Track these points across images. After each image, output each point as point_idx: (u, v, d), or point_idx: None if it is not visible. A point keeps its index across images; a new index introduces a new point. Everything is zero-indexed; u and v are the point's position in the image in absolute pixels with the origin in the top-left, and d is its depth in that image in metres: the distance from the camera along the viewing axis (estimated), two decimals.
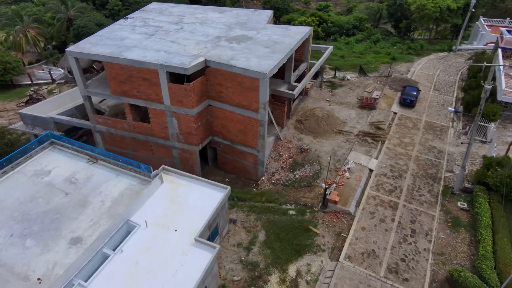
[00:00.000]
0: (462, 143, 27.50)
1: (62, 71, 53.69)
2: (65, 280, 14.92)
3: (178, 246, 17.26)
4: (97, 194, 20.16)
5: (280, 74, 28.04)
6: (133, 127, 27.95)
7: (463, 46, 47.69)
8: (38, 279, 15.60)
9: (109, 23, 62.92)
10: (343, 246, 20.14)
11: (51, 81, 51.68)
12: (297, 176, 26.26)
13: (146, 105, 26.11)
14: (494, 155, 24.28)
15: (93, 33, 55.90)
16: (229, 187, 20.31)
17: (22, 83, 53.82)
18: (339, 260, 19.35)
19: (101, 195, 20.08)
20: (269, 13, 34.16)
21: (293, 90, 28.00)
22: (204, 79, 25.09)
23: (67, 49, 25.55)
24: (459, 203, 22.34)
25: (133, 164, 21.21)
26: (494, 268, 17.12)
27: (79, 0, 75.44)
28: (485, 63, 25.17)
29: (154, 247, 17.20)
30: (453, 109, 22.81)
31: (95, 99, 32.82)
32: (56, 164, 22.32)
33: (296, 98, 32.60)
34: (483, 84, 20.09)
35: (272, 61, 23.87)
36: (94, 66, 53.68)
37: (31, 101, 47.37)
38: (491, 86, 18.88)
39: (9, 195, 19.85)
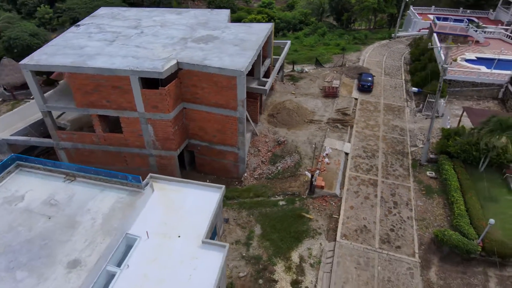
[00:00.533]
0: (427, 118, 30.23)
1: None
2: None
3: (186, 251, 17.01)
4: (84, 212, 18.91)
5: (250, 71, 28.51)
6: (104, 139, 26.49)
7: (400, 34, 52.33)
8: None
9: (43, 32, 58.28)
10: (337, 227, 21.38)
11: None
12: (279, 168, 27.05)
13: (118, 114, 24.93)
14: (449, 126, 27.36)
15: (28, 44, 51.99)
16: (223, 186, 20.37)
17: None
18: (336, 239, 20.54)
19: (90, 213, 18.88)
20: (227, 12, 34.36)
21: (264, 86, 28.70)
22: (177, 82, 24.66)
23: (21, 62, 23.36)
24: (427, 173, 24.89)
25: (118, 176, 20.23)
26: (470, 224, 19.51)
27: (2, 10, 68.53)
28: (430, 45, 28.12)
29: (161, 256, 16.75)
30: (416, 89, 25.23)
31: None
32: (28, 188, 20.41)
33: None
34: (437, 65, 22.53)
35: (246, 59, 24.27)
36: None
37: None
38: (447, 66, 21.27)
39: None
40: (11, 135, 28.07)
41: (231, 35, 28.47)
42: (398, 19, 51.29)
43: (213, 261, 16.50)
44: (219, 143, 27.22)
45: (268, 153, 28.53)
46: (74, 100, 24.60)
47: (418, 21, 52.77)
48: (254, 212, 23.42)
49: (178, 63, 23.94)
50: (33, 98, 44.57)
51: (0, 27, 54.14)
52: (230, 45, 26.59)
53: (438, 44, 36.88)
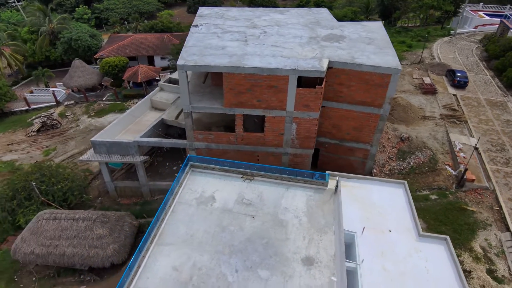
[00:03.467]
0: None
1: (64, 91, 47.77)
2: None
3: (407, 245, 17.48)
4: (283, 211, 19.22)
5: None
6: (242, 138, 26.64)
7: (459, 30, 53.54)
8: None
9: (99, 33, 57.52)
10: (503, 217, 22.13)
11: (55, 103, 45.64)
12: (411, 163, 27.67)
13: (264, 114, 25.11)
14: None
15: (88, 46, 51.28)
16: (405, 181, 20.89)
17: (15, 109, 46.66)
18: (510, 230, 21.28)
19: (289, 211, 19.20)
20: (327, 10, 34.77)
21: None
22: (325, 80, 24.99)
23: (178, 63, 23.30)
24: None
25: (304, 174, 20.56)
26: None
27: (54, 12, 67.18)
28: None
29: (385, 250, 17.21)
30: None
31: (169, 116, 30.55)
32: (213, 188, 20.61)
33: None
34: None
35: (393, 57, 24.76)
36: (102, 83, 48.88)
37: (44, 128, 41.61)
38: None
39: (192, 228, 17.97)
40: (140, 137, 27.91)
41: (354, 34, 28.87)
42: (461, 17, 52.54)
43: (439, 253, 17.03)
44: (351, 141, 27.65)
45: (393, 149, 29.12)
46: (224, 99, 24.65)
47: (474, 18, 54.10)
48: None
49: (329, 61, 24.28)
50: (103, 100, 44.39)
51: (56, 28, 53.12)
52: (363, 44, 27.00)
53: None
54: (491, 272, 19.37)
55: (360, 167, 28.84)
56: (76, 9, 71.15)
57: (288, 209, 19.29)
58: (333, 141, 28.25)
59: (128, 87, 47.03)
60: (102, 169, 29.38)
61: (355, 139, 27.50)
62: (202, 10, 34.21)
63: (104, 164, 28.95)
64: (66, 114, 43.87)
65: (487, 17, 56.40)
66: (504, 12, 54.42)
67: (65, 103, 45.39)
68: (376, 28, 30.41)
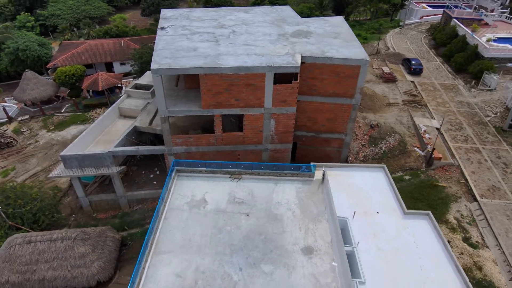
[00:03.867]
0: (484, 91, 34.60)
1: (15, 106, 44.21)
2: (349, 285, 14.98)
3: (394, 224, 18.62)
4: (276, 205, 19.59)
5: None
6: (221, 139, 26.57)
7: (407, 22, 57.33)
8: None
9: (48, 42, 53.87)
10: (470, 189, 24.31)
11: (7, 119, 42.10)
12: (383, 148, 29.34)
13: (243, 112, 25.25)
14: None
15: (38, 56, 47.88)
16: (384, 165, 22.18)
17: None
18: (478, 200, 23.45)
19: (281, 205, 19.60)
20: (289, 7, 35.60)
21: None
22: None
23: (152, 68, 22.64)
24: None
25: (291, 167, 21.05)
26: None
27: None
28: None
29: (377, 231, 18.20)
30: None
31: (142, 123, 29.60)
32: (203, 191, 20.44)
33: None
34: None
35: (361, 49, 26.05)
36: (59, 94, 45.94)
37: None
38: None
39: (188, 232, 17.74)
40: (115, 147, 26.75)
41: (320, 29, 29.91)
42: (407, 9, 56.30)
43: (424, 228, 18.36)
44: (326, 132, 28.68)
45: (365, 137, 30.67)
46: (202, 101, 24.41)
47: (419, 10, 58.26)
48: None
49: (302, 57, 24.96)
50: (62, 112, 41.82)
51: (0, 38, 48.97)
52: (330, 38, 28.09)
53: (466, 29, 41.85)
54: (466, 240, 21.25)
55: (336, 156, 30.01)
56: (17, 16, 65.87)
57: (280, 203, 19.69)
58: (310, 134, 29.11)
59: (88, 96, 44.63)
60: (74, 184, 27.79)
61: (330, 130, 28.56)
62: (165, 12, 33.44)
63: (77, 179, 27.40)
64: (22, 130, 40.66)
65: (430, 8, 60.94)
66: (445, 2, 59.14)
67: (19, 119, 42.03)
68: (339, 23, 31.75)
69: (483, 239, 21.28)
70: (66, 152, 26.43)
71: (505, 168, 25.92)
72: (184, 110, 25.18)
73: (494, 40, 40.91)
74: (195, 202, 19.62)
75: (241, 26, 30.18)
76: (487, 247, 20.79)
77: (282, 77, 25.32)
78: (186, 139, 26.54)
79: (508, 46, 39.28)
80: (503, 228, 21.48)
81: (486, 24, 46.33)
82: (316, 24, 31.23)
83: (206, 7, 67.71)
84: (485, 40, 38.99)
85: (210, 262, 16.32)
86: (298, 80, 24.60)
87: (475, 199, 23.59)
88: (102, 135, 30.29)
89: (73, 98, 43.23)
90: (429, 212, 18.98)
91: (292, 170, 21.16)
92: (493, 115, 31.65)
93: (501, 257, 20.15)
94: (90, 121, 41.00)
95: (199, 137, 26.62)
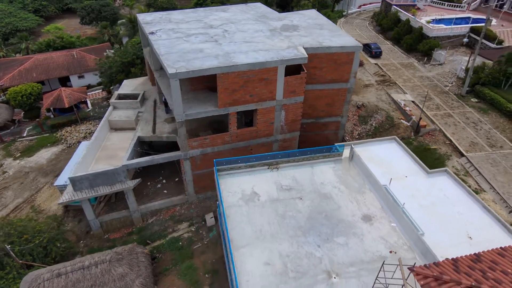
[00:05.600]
0: (436, 65, 40.09)
1: None
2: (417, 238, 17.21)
3: (423, 183, 21.40)
4: (321, 186, 21.01)
5: None
6: (236, 136, 27.09)
7: (350, 11, 62.70)
8: (390, 251, 17.15)
9: None
10: (456, 148, 28.65)
11: None
12: (373, 124, 32.65)
13: (256, 107, 26.10)
14: (463, 68, 37.62)
15: None
16: (395, 136, 25.05)
17: None
18: (464, 155, 27.82)
19: (326, 185, 21.09)
20: (261, 4, 36.98)
21: None
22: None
23: (170, 72, 22.19)
24: (472, 99, 34.45)
25: (323, 150, 22.71)
26: None
27: None
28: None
29: (412, 191, 20.72)
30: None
31: (145, 132, 28.58)
32: (249, 185, 20.96)
33: None
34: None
35: (350, 38, 28.66)
36: (14, 117, 41.12)
37: None
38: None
39: (256, 224, 18.38)
40: (127, 160, 25.49)
41: (303, 22, 31.90)
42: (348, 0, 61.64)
43: (445, 182, 21.51)
44: (325, 116, 30.93)
45: (355, 117, 33.71)
46: (219, 100, 24.62)
47: (358, 0, 64.19)
48: None
49: (304, 48, 26.63)
50: (24, 137, 37.81)
51: None
52: (317, 30, 30.24)
53: (408, 14, 47.80)
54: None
55: (334, 138, 32.51)
56: None
57: (324, 183, 21.20)
58: (310, 120, 31.05)
59: (52, 116, 40.71)
60: (84, 207, 25.89)
61: (328, 114, 30.86)
62: (144, 17, 32.29)
63: (87, 201, 25.60)
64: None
65: None
66: None
67: None
68: (315, 16, 34.11)
69: (479, 186, 25.50)
70: (75, 173, 24.46)
71: (475, 126, 30.98)
72: (201, 111, 25.11)
73: (431, 22, 47.40)
74: (247, 196, 20.14)
75: (230, 25, 30.71)
76: (485, 191, 25.02)
77: (288, 69, 26.75)
78: (202, 141, 26.48)
79: (443, 26, 45.93)
80: (491, 174, 25.99)
81: (418, 8, 53.23)
82: (295, 17, 33.13)
83: (149, 11, 65.55)
84: (425, 22, 45.04)
85: (289, 246, 17.22)
86: (305, 71, 26.28)
87: (463, 155, 27.94)
88: (100, 152, 28.47)
89: (37, 120, 39.11)
90: (447, 168, 22.27)
91: (324, 152, 22.80)
92: (450, 85, 37.16)
93: (497, 197, 24.48)
94: (62, 141, 37.73)
95: (214, 137, 26.74)
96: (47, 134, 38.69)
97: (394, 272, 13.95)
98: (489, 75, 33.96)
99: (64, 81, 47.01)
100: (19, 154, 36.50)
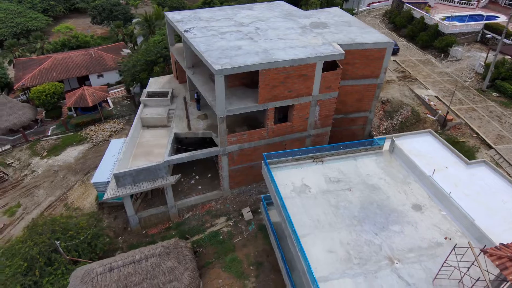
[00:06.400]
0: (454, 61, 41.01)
1: None
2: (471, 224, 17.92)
3: (465, 173, 22.11)
4: (367, 177, 21.63)
5: None
6: (272, 131, 27.61)
7: (360, 9, 63.50)
8: (445, 238, 17.84)
9: (1, 61, 47.37)
10: (484, 140, 29.48)
11: None
12: (399, 119, 33.39)
13: (293, 103, 26.64)
14: (482, 64, 38.54)
15: None
16: (430, 129, 25.78)
17: None
18: (493, 147, 28.68)
19: (372, 176, 21.72)
20: (283, 1, 37.49)
21: None
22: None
23: (217, 68, 22.65)
24: (493, 94, 35.38)
25: (365, 143, 23.36)
26: None
27: None
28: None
29: (456, 181, 21.40)
30: None
31: (181, 129, 28.99)
32: (298, 177, 21.54)
33: None
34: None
35: (381, 34, 29.33)
36: (38, 117, 41.16)
37: None
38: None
39: (312, 214, 18.97)
40: (169, 156, 25.89)
41: (330, 20, 32.50)
42: None
43: (485, 172, 22.28)
44: (354, 112, 31.60)
45: (380, 112, 34.43)
46: (259, 96, 25.11)
47: None
48: None
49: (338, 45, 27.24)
50: (49, 136, 37.85)
51: None
52: (346, 27, 30.86)
53: (423, 12, 48.68)
54: None
55: (361, 133, 33.23)
56: None
57: (370, 175, 21.82)
58: (339, 116, 31.66)
59: (74, 114, 40.83)
60: (125, 203, 26.23)
61: (357, 109, 31.52)
62: (174, 15, 32.64)
63: (128, 197, 25.97)
64: (8, 162, 35.79)
65: None
66: None
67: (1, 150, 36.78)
68: (340, 13, 34.74)
69: (511, 176, 26.33)
70: (118, 170, 24.80)
71: (499, 119, 31.88)
72: (242, 107, 25.59)
73: (445, 19, 48.38)
74: (298, 188, 20.70)
75: (260, 23, 31.20)
76: None
77: (323, 66, 27.35)
78: (240, 137, 26.96)
79: (457, 23, 46.91)
80: None
81: (429, 6, 54.22)
82: (321, 15, 33.72)
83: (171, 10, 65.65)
84: (440, 20, 46.00)
85: (348, 234, 17.83)
86: (341, 67, 26.89)
87: (491, 147, 28.79)
88: (136, 149, 28.82)
89: (61, 119, 39.21)
90: (485, 159, 23.05)
91: (366, 146, 23.45)
92: (469, 80, 38.07)
93: None
94: (88, 140, 37.93)
95: (252, 132, 27.24)
96: (72, 133, 38.84)
97: (463, 255, 14.64)
98: (509, 70, 34.93)
99: (83, 80, 47.09)
100: (45, 153, 36.61)
